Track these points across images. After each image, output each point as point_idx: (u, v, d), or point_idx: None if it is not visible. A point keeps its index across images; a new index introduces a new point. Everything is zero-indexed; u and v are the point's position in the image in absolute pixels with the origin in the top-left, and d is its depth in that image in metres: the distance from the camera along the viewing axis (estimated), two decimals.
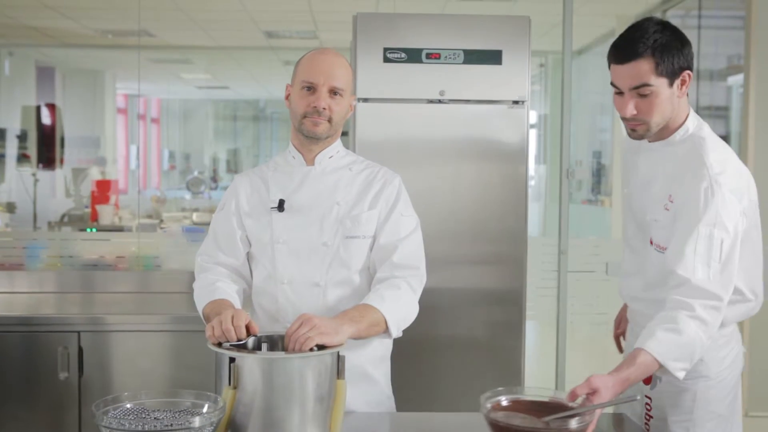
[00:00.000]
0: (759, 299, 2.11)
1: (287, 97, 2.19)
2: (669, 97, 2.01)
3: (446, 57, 3.08)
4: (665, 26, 2.03)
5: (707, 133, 2.09)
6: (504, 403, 1.75)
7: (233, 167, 12.39)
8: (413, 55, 3.08)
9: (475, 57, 3.08)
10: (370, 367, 2.17)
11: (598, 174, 9.23)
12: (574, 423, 1.65)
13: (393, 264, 2.11)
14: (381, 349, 2.21)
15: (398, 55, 3.07)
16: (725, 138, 10.19)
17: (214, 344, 1.83)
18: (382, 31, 3.07)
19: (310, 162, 2.19)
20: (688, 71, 2.05)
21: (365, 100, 3.09)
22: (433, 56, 3.08)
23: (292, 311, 2.10)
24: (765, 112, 5.20)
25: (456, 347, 3.16)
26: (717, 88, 9.06)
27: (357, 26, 3.08)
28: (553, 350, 3.94)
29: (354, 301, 2.09)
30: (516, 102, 3.11)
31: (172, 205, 7.92)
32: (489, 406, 1.70)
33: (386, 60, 3.07)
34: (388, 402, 2.22)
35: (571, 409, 1.71)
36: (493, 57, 3.08)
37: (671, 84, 2.01)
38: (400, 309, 2.06)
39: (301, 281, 2.13)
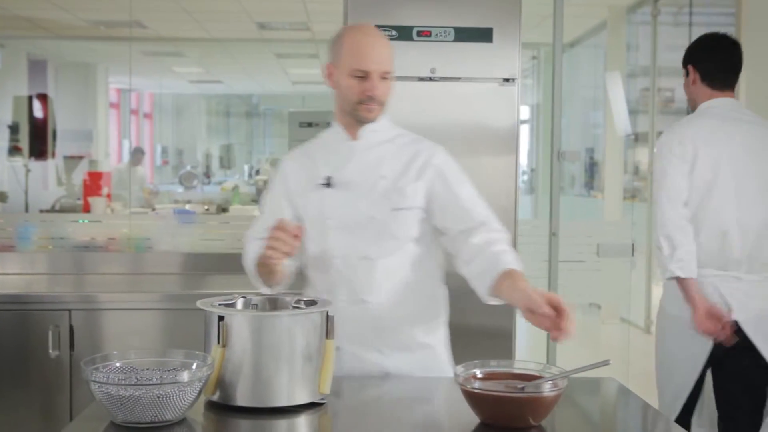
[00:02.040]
0: None
1: (328, 76, 2.18)
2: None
3: (437, 35, 3.09)
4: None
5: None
6: (479, 374, 1.76)
7: (226, 163, 12.37)
8: (404, 33, 3.09)
9: (465, 35, 3.09)
10: (423, 334, 2.18)
11: (591, 170, 9.25)
12: (547, 387, 1.66)
13: (480, 227, 2.10)
14: (435, 316, 2.23)
15: (389, 33, 3.07)
16: None
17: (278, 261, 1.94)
18: (372, 8, 3.09)
19: (354, 136, 2.20)
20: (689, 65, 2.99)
21: None
22: (424, 34, 3.09)
23: (345, 284, 2.14)
24: (755, 109, 5.22)
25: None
26: None
27: (348, 4, 3.09)
28: (544, 334, 3.95)
29: (409, 270, 2.14)
30: (507, 80, 3.12)
31: (165, 198, 7.92)
32: (464, 376, 1.71)
33: None
34: (447, 368, 2.22)
35: (544, 377, 1.72)
36: (483, 35, 3.09)
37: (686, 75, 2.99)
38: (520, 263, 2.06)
39: (352, 255, 2.14)
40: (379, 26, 3.03)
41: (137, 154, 9.16)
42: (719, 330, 2.74)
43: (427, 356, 2.20)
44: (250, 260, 2.19)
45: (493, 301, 2.02)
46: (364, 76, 2.10)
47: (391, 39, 3.07)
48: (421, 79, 3.12)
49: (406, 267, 2.15)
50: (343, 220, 2.15)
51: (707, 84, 2.90)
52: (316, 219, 2.18)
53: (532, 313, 1.80)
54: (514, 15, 3.10)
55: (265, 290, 2.14)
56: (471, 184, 2.20)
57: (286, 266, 2.10)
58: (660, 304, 3.00)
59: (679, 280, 2.78)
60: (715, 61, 2.91)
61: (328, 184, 2.16)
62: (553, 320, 1.77)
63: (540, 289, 1.84)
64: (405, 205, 2.14)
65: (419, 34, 3.09)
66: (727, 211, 2.80)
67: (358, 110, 2.13)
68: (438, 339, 2.24)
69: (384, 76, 2.11)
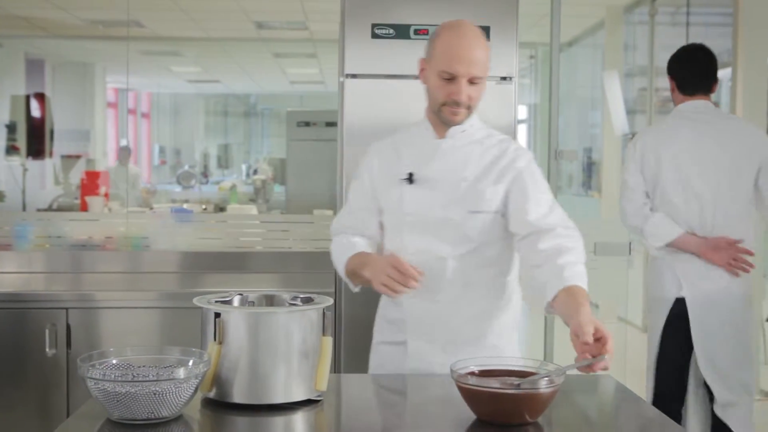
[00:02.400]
0: None
1: (420, 72, 2.17)
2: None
3: None
4: None
5: None
6: (475, 370, 1.76)
7: (224, 163, 12.37)
8: (401, 31, 3.09)
9: None
10: (495, 338, 2.16)
11: (589, 169, 9.25)
12: (543, 384, 1.66)
13: (549, 232, 2.06)
14: (508, 321, 2.20)
15: (386, 31, 3.08)
16: None
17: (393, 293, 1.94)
18: (370, 7, 3.09)
19: (442, 135, 2.18)
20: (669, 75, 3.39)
21: (353, 76, 3.11)
22: (422, 32, 3.09)
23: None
24: (752, 107, 5.25)
25: None
26: None
27: (345, 2, 3.09)
28: (542, 330, 3.96)
29: (481, 272, 2.12)
30: (504, 78, 3.12)
31: (162, 197, 7.91)
32: (460, 373, 1.71)
33: (374, 36, 3.08)
34: None
35: (540, 375, 1.73)
36: None
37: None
38: (584, 272, 2.02)
39: (427, 253, 2.12)
40: (376, 25, 3.08)
41: (124, 152, 9.09)
42: (732, 258, 3.15)
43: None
44: (339, 262, 2.20)
45: (547, 313, 2.00)
46: (451, 79, 2.06)
47: (388, 37, 3.08)
48: (418, 77, 3.10)
49: (479, 268, 2.13)
50: (420, 218, 2.14)
51: (681, 91, 3.32)
52: (394, 213, 2.17)
53: (576, 337, 1.77)
54: (511, 14, 3.10)
55: (356, 289, 2.20)
56: (548, 189, 2.17)
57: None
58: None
59: (672, 245, 3.18)
60: (686, 70, 3.31)
61: (409, 180, 2.14)
62: (591, 349, 1.74)
63: (593, 318, 1.80)
64: (482, 208, 2.12)
65: (416, 32, 3.09)
66: (676, 197, 3.20)
67: (442, 111, 2.11)
68: (508, 341, 2.19)
69: (473, 81, 2.07)
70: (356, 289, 2.22)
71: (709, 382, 3.19)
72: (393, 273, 1.93)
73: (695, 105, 3.28)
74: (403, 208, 2.15)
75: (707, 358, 3.17)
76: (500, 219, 2.13)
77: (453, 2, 3.11)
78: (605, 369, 1.74)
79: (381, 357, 2.26)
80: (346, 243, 2.20)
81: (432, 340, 2.14)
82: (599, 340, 1.74)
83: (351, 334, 3.13)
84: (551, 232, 2.05)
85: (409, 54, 3.08)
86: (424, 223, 2.13)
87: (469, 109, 2.11)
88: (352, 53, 3.09)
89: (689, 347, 3.22)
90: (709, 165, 3.18)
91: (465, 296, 2.13)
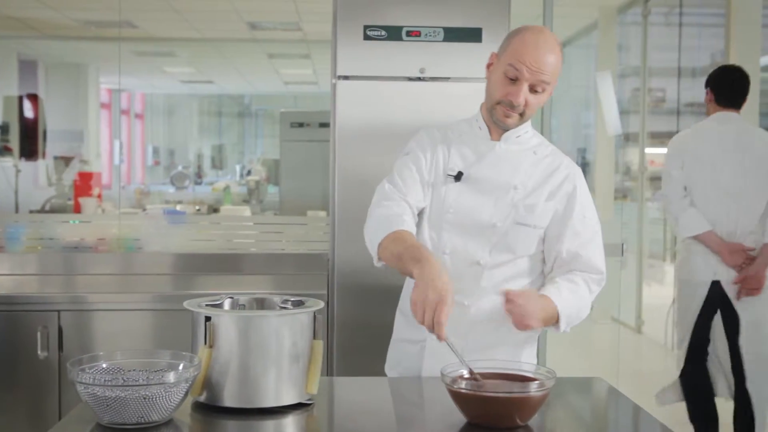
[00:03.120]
0: None
1: (488, 66, 2.10)
2: None
3: (426, 35, 3.09)
4: None
5: None
6: (466, 374, 1.76)
7: (218, 163, 12.36)
8: (393, 33, 3.08)
9: (455, 35, 3.09)
10: (513, 348, 2.11)
11: (582, 169, 9.26)
12: (534, 387, 1.66)
13: (576, 268, 2.08)
14: (524, 335, 2.11)
15: (378, 33, 3.08)
16: None
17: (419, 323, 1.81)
18: (362, 8, 3.08)
19: (496, 137, 2.12)
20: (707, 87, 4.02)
21: (345, 77, 3.10)
22: (413, 34, 3.09)
23: None
24: (745, 108, 5.24)
25: None
26: (699, 84, 9.15)
27: (337, 4, 3.09)
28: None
29: (513, 283, 2.07)
30: None
31: (156, 198, 7.90)
32: (451, 377, 1.71)
33: (366, 38, 3.08)
34: None
35: (532, 379, 1.73)
36: (473, 35, 3.09)
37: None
38: (574, 305, 2.03)
39: (463, 256, 2.08)
40: (368, 26, 3.08)
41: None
42: (743, 262, 3.73)
43: None
44: (379, 231, 2.02)
45: None
46: (514, 79, 2.00)
47: (380, 39, 3.08)
48: (410, 79, 3.12)
49: (512, 279, 2.08)
50: (462, 219, 2.08)
51: (717, 102, 3.91)
52: (435, 209, 2.11)
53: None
54: (503, 15, 3.10)
55: (375, 263, 2.06)
56: (594, 218, 2.12)
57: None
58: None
59: (697, 238, 3.77)
60: (724, 87, 3.90)
61: (457, 178, 2.09)
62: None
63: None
64: (530, 222, 2.07)
65: (408, 34, 3.09)
66: (706, 194, 3.77)
67: (495, 110, 2.06)
68: (525, 357, 2.14)
69: (536, 88, 2.01)
70: (379, 264, 2.06)
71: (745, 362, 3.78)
72: (429, 312, 1.78)
73: (728, 116, 3.86)
74: (445, 205, 2.09)
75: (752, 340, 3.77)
76: (542, 234, 2.10)
77: (445, 4, 3.11)
78: None
79: (399, 354, 2.22)
80: (395, 216, 2.03)
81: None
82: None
83: (343, 337, 3.13)
84: (570, 273, 2.07)
85: (401, 55, 3.10)
86: (465, 226, 2.08)
87: (523, 116, 2.05)
88: (345, 55, 3.08)
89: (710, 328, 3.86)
90: (737, 168, 3.75)
91: (494, 303, 2.07)
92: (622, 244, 3.86)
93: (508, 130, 2.10)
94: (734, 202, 3.74)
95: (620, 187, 8.41)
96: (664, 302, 6.95)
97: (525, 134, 2.14)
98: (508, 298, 1.95)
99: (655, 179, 10.59)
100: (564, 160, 2.15)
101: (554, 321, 2.00)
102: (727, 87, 3.90)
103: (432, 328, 1.78)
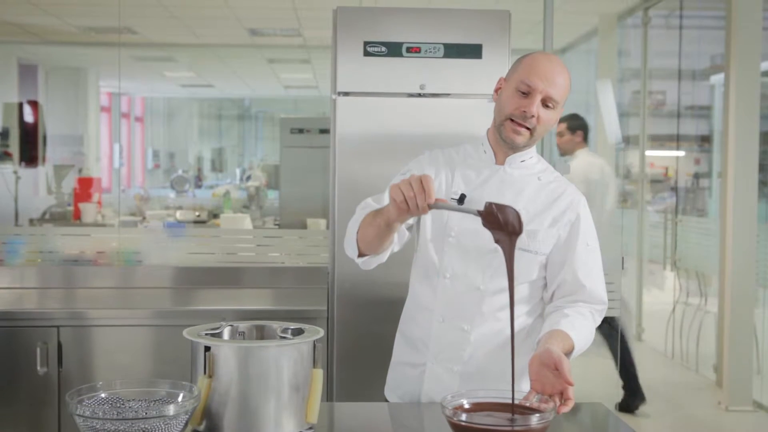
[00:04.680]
0: None
1: (497, 90, 2.11)
2: None
3: (426, 51, 3.08)
4: None
5: None
6: (466, 405, 1.75)
7: (218, 167, 12.37)
8: (393, 49, 3.08)
9: (455, 51, 3.09)
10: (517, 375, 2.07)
11: None
12: (535, 420, 1.65)
13: (581, 299, 2.08)
14: (525, 363, 2.05)
15: (378, 49, 3.07)
16: (708, 138, 10.29)
17: (402, 210, 1.79)
18: (362, 24, 3.08)
19: (501, 161, 2.11)
20: None
21: (345, 94, 3.10)
22: (414, 50, 3.08)
23: (447, 308, 2.08)
24: (745, 111, 5.26)
25: None
26: (699, 87, 9.15)
27: (337, 20, 3.08)
28: None
29: (516, 310, 2.01)
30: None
31: (156, 203, 7.89)
32: (451, 407, 1.70)
33: (366, 54, 3.07)
34: None
35: (533, 409, 1.72)
36: (473, 51, 3.09)
37: None
38: (585, 339, 2.02)
39: (463, 281, 2.07)
40: (368, 42, 3.08)
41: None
42: None
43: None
44: (355, 226, 2.07)
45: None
46: (526, 93, 2.01)
47: (381, 55, 3.07)
48: (411, 95, 3.11)
49: (516, 306, 2.01)
50: (464, 243, 2.07)
51: (584, 140, 4.90)
52: (437, 232, 2.10)
53: (540, 365, 1.82)
54: (503, 31, 3.10)
55: (355, 259, 2.07)
56: (596, 247, 2.11)
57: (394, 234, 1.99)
58: None
59: None
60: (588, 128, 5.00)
61: (460, 201, 2.07)
62: (552, 382, 1.79)
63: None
64: (532, 248, 2.05)
65: (408, 50, 3.08)
66: None
67: (504, 127, 2.04)
68: (525, 385, 2.04)
69: (547, 103, 2.01)
70: (364, 265, 2.08)
71: None
72: (416, 184, 1.78)
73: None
74: (447, 229, 2.08)
75: None
76: (543, 261, 2.09)
77: (446, 20, 3.10)
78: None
79: (399, 377, 2.21)
80: (367, 208, 2.05)
81: (451, 368, 2.09)
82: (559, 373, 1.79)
83: (343, 354, 3.12)
84: (575, 304, 2.06)
85: (401, 71, 3.09)
86: (467, 250, 2.06)
87: (532, 133, 2.03)
88: (345, 70, 3.08)
89: None
90: None
91: (494, 330, 2.07)
92: (622, 258, 3.84)
93: (516, 150, 2.09)
94: None
95: (620, 192, 8.41)
96: (664, 309, 6.95)
97: (530, 159, 2.13)
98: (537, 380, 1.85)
99: (655, 182, 10.61)
100: (568, 187, 2.14)
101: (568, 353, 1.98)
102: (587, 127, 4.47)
103: (418, 199, 1.77)
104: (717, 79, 8.33)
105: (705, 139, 10.21)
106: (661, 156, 10.80)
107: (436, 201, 1.81)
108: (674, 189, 10.17)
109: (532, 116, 2.01)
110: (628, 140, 8.16)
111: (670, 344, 6.64)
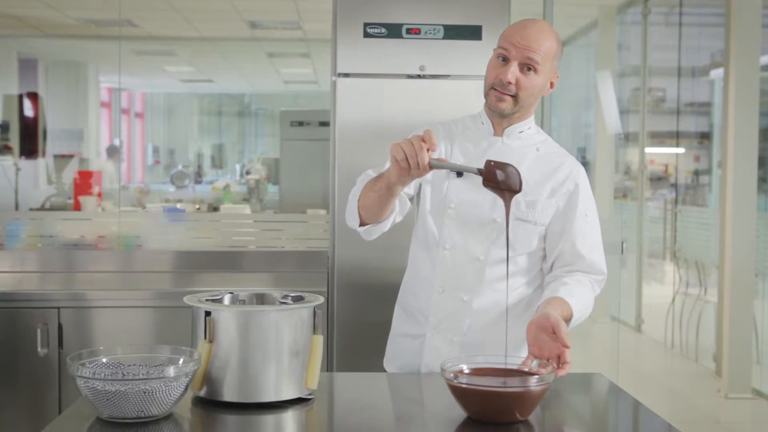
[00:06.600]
0: None
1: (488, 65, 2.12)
2: None
3: (426, 32, 3.09)
4: None
5: None
6: (466, 369, 1.76)
7: (218, 162, 12.36)
8: (393, 31, 3.08)
9: (455, 32, 3.09)
10: (512, 348, 2.02)
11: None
12: (533, 381, 1.66)
13: (580, 269, 2.08)
14: (523, 334, 2.03)
15: (378, 31, 3.08)
16: (707, 135, 10.31)
17: (403, 169, 1.81)
18: (362, 6, 3.08)
19: (499, 133, 2.12)
20: None
21: (345, 75, 3.10)
22: (413, 31, 3.09)
23: (447, 279, 2.08)
24: (744, 107, 5.27)
25: None
26: (699, 83, 9.15)
27: (337, 1, 3.09)
28: None
29: (510, 280, 2.04)
30: None
31: (156, 197, 7.90)
32: (451, 372, 1.71)
33: (366, 35, 3.08)
34: None
35: (532, 373, 1.73)
36: (473, 32, 3.09)
37: None
38: (584, 307, 2.02)
39: (463, 252, 2.08)
40: (368, 24, 3.08)
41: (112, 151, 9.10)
42: None
43: None
44: (355, 190, 2.10)
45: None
46: (506, 59, 2.00)
47: (380, 37, 3.08)
48: (410, 76, 3.11)
49: (512, 277, 2.05)
50: (463, 214, 2.08)
51: None
52: (436, 204, 2.11)
53: (538, 328, 1.83)
54: (503, 12, 3.10)
55: (357, 228, 2.10)
56: (595, 217, 2.12)
57: (396, 199, 2.00)
58: None
59: None
60: None
61: (459, 173, 2.07)
62: (549, 346, 1.80)
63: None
64: (531, 218, 2.06)
65: (408, 31, 3.09)
66: None
67: (489, 97, 2.05)
68: (525, 354, 2.04)
69: (527, 63, 1.99)
70: (366, 234, 2.10)
71: None
72: (417, 142, 1.80)
73: None
74: (446, 200, 2.09)
75: None
76: (543, 231, 2.09)
77: (445, 1, 3.11)
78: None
79: (398, 348, 2.22)
80: (370, 177, 2.06)
81: (451, 339, 2.10)
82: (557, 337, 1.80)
83: (343, 333, 3.13)
84: (574, 274, 2.06)
85: (401, 53, 3.10)
86: (466, 221, 2.08)
87: (516, 98, 2.02)
88: (344, 52, 3.08)
89: None
90: None
91: (493, 300, 2.07)
92: (622, 242, 3.85)
93: (511, 121, 2.09)
94: None
95: (620, 186, 8.42)
96: (663, 301, 6.96)
97: (528, 130, 2.14)
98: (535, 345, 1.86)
99: (655, 179, 10.60)
100: (567, 158, 2.14)
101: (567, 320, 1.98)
102: None
103: (419, 156, 1.79)
104: (716, 74, 8.34)
105: (705, 136, 10.22)
106: (661, 153, 10.81)
107: (436, 159, 1.83)
108: (674, 186, 10.18)
109: (509, 82, 2.01)
110: (627, 137, 8.17)
111: (670, 334, 6.65)
